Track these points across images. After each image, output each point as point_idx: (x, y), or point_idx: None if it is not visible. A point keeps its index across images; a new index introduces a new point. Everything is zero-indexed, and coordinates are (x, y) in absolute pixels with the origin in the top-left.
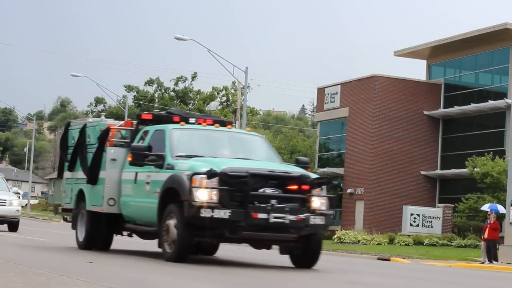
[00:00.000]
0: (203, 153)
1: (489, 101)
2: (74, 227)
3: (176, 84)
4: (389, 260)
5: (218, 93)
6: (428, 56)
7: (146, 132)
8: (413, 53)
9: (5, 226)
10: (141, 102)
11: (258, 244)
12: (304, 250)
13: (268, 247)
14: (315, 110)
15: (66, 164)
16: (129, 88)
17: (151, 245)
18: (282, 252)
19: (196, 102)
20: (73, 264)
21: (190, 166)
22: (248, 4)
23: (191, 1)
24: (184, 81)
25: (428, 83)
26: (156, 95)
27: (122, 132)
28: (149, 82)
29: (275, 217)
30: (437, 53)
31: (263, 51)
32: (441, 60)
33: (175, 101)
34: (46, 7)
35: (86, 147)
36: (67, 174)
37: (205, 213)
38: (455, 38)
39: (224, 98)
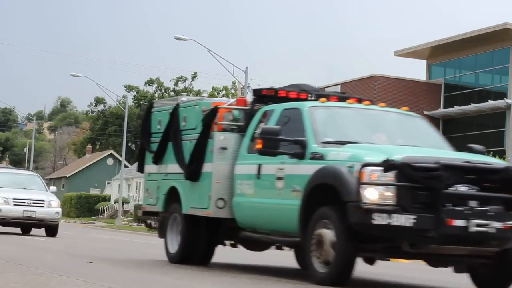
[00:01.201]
0: (355, 139)
1: (489, 101)
2: (163, 235)
3: (176, 84)
4: (389, 260)
5: (218, 93)
6: (428, 56)
7: (267, 113)
8: (413, 53)
9: (42, 231)
10: (141, 102)
11: (439, 260)
12: (496, 268)
13: (447, 264)
14: None
15: (150, 155)
16: (129, 88)
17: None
18: (458, 270)
19: None
20: (73, 264)
21: (353, 155)
22: (248, 4)
23: (191, 1)
24: (184, 81)
25: (428, 83)
26: (156, 95)
27: (234, 113)
28: (149, 82)
29: (477, 225)
30: (437, 53)
31: (263, 51)
32: (441, 60)
33: None
34: (46, 7)
35: (180, 133)
36: (150, 167)
37: (379, 219)
38: (455, 38)
39: (224, 98)
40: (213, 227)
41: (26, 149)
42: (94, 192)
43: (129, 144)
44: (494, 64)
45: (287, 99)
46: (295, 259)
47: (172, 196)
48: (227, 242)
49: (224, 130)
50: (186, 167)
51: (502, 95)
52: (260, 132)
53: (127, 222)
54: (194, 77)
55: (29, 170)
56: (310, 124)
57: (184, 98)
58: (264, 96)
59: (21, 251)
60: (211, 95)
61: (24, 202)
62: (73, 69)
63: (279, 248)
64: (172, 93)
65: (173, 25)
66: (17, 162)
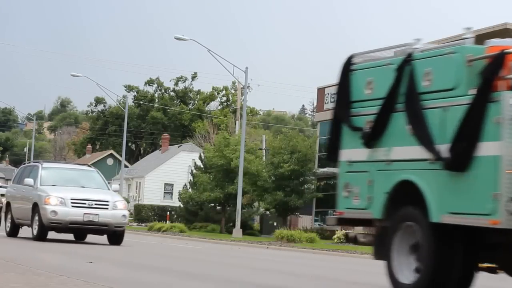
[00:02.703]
0: None
1: None
2: (383, 255)
3: (176, 84)
4: None
5: (218, 93)
6: None
7: None
8: None
9: (100, 238)
10: (141, 102)
11: None
12: None
13: None
14: (315, 110)
15: (354, 134)
16: (129, 88)
17: None
18: None
19: (196, 102)
20: (73, 264)
21: None
22: (248, 4)
23: (191, 1)
24: (184, 81)
25: None
26: (156, 95)
27: None
28: (149, 82)
29: None
30: None
31: (263, 51)
32: None
33: (175, 101)
34: (46, 7)
35: (418, 99)
36: (353, 153)
37: None
38: (454, 38)
39: (224, 98)
40: (471, 242)
41: (26, 149)
42: None
43: (129, 144)
44: None
45: None
46: None
47: (403, 195)
48: (483, 265)
49: None
50: (441, 149)
51: None
52: None
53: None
54: (194, 77)
55: (85, 165)
56: None
57: (420, 45)
58: None
59: (21, 251)
60: (211, 95)
61: (85, 203)
62: (73, 69)
63: None
64: (172, 93)
65: (173, 25)
66: (17, 162)
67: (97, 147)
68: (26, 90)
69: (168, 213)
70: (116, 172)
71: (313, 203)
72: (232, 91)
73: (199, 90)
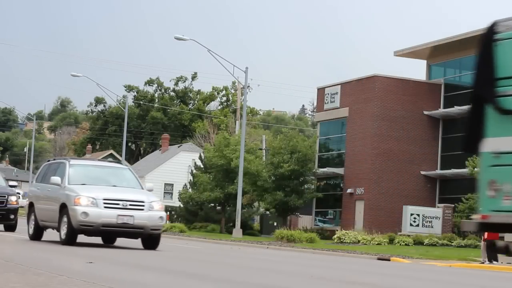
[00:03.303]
0: None
1: None
2: None
3: (176, 84)
4: (389, 260)
5: (218, 93)
6: (428, 56)
7: None
8: (413, 53)
9: (133, 241)
10: (141, 102)
11: None
12: None
13: None
14: (315, 110)
15: (505, 118)
16: (129, 88)
17: None
18: None
19: (196, 102)
20: (73, 264)
21: None
22: (248, 5)
23: (190, 2)
24: (184, 81)
25: (428, 83)
26: (156, 95)
27: None
28: (149, 82)
29: None
30: (437, 53)
31: (263, 51)
32: (441, 60)
33: (175, 101)
34: (46, 7)
35: None
36: (504, 142)
37: None
38: (455, 38)
39: (224, 98)
40: None
41: (26, 149)
42: None
43: (129, 144)
44: None
45: None
46: None
47: None
48: None
49: None
50: None
51: None
52: None
53: None
54: (194, 77)
55: (116, 161)
56: None
57: None
58: None
59: (21, 251)
60: (211, 95)
61: (118, 204)
62: (73, 69)
63: None
64: (172, 93)
65: (173, 25)
66: (17, 162)
67: (97, 147)
68: (26, 90)
69: (168, 213)
70: None
71: (313, 203)
72: (232, 91)
73: (199, 90)
